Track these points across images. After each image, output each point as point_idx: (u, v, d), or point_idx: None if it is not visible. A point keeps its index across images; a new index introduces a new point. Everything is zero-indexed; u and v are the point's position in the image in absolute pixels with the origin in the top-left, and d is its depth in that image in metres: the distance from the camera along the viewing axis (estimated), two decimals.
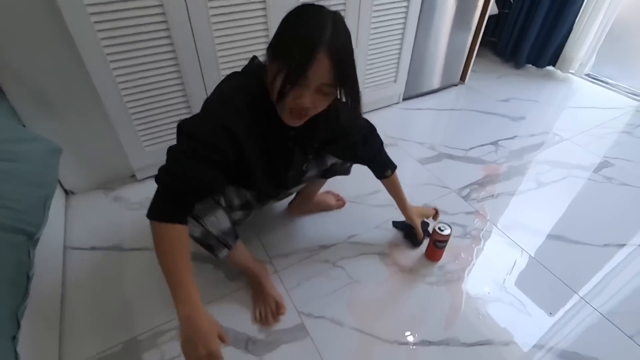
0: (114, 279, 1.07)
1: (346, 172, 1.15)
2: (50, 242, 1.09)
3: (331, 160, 1.06)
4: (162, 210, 0.67)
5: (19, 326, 0.70)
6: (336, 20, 0.66)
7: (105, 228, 1.22)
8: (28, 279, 0.79)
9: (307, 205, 1.27)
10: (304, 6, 0.68)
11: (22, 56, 1.02)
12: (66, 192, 1.34)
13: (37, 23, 0.99)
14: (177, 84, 1.24)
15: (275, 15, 1.26)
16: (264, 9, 1.24)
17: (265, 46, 0.72)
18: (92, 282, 1.06)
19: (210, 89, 1.29)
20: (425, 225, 1.25)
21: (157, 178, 0.68)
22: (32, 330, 0.80)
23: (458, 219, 1.30)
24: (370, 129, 1.00)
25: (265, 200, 1.07)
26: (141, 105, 1.22)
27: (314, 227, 1.26)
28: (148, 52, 1.13)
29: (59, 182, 1.29)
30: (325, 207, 1.30)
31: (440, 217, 1.19)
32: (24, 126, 1.12)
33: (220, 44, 1.24)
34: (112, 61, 1.09)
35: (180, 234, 0.68)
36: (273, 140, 0.82)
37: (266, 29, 1.29)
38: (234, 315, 0.99)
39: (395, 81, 1.83)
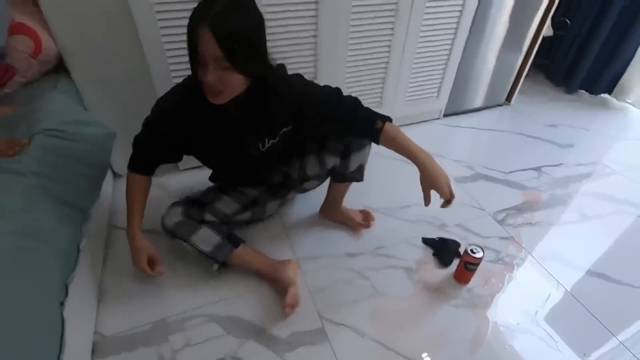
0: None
1: (356, 177, 1.12)
2: (97, 219, 1.16)
3: (332, 161, 1.07)
4: (130, 165, 0.96)
5: (66, 293, 0.76)
6: None
7: (146, 212, 1.28)
8: (78, 250, 0.85)
9: (334, 212, 1.27)
10: None
11: (92, 46, 1.11)
12: (114, 174, 1.43)
13: (108, 16, 1.07)
14: None
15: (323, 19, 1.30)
16: (314, 16, 1.28)
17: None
18: (130, 262, 1.12)
19: None
20: (456, 245, 1.22)
21: (132, 145, 0.95)
22: (74, 299, 0.85)
23: (491, 243, 1.26)
24: (337, 90, 0.93)
25: (261, 192, 1.16)
26: None
27: (343, 233, 1.26)
28: None
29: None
30: (350, 223, 1.26)
31: (452, 207, 0.92)
32: (85, 110, 1.21)
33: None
34: (169, 57, 1.16)
35: (137, 180, 0.97)
36: (214, 120, 0.88)
37: (314, 44, 1.32)
38: (256, 310, 1.02)
39: (437, 96, 1.81)
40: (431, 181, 0.89)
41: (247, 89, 0.81)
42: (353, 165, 1.08)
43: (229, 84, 0.76)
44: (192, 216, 1.03)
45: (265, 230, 1.25)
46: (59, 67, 1.15)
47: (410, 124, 1.86)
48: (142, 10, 1.05)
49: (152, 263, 0.98)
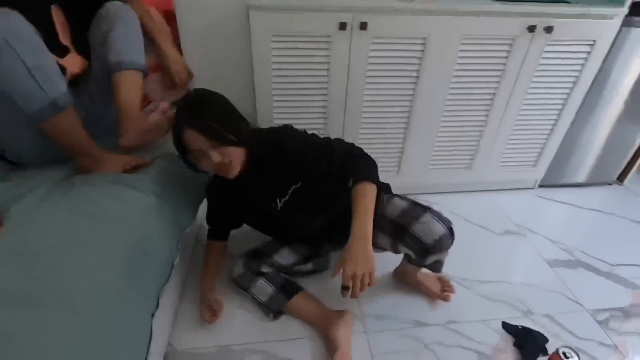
0: (227, 285, 1.20)
1: (434, 269, 1.07)
2: (187, 236, 1.28)
3: (405, 251, 1.02)
4: (208, 235, 1.17)
5: (157, 306, 0.84)
6: (196, 95, 0.90)
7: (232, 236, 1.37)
8: (172, 266, 0.94)
9: (409, 277, 1.21)
10: None
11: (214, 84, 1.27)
12: None
13: (232, 46, 1.22)
14: (321, 124, 1.39)
15: (423, 82, 1.32)
16: (414, 83, 1.30)
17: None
18: None
19: (348, 138, 1.40)
20: (542, 339, 1.08)
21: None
22: (159, 309, 0.94)
23: (588, 347, 1.09)
24: (329, 145, 0.96)
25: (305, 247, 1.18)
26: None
27: (416, 298, 1.20)
28: (305, 90, 1.30)
29: None
30: (425, 291, 1.19)
31: (347, 300, 0.84)
32: None
33: (367, 102, 1.34)
34: (275, 88, 1.28)
35: (213, 245, 1.16)
36: (237, 190, 1.03)
37: (412, 95, 1.34)
38: (313, 358, 1.00)
39: (534, 165, 1.68)
40: (345, 258, 0.83)
41: (248, 157, 0.93)
42: (430, 260, 1.03)
43: (230, 156, 0.88)
44: (251, 268, 1.10)
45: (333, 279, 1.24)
46: None
47: (500, 190, 1.74)
48: (260, 40, 1.18)
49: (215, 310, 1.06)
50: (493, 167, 1.62)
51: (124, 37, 0.98)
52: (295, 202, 1.01)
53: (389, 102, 1.36)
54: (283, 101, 1.30)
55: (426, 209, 0.99)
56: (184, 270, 1.22)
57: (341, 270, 0.83)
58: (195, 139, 0.85)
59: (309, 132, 1.15)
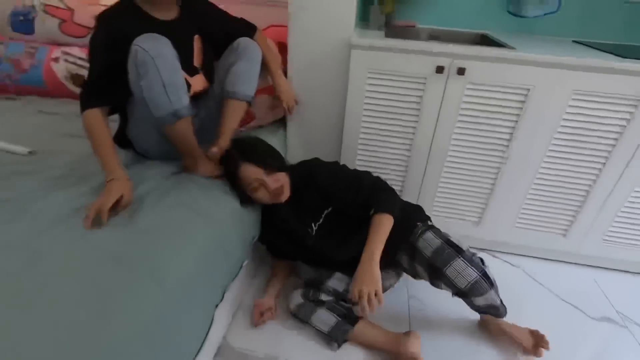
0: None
1: (497, 313, 1.07)
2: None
3: (446, 289, 1.04)
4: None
5: (222, 298, 0.93)
6: (239, 140, 1.14)
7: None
8: (241, 267, 1.03)
9: (492, 324, 1.14)
10: None
11: (309, 111, 1.39)
12: None
13: (331, 78, 1.32)
14: (401, 171, 1.40)
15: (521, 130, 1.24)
16: (510, 133, 1.23)
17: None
18: None
19: (428, 183, 1.40)
20: None
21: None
22: (222, 303, 1.02)
23: None
24: (358, 177, 1.15)
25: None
26: (366, 166, 1.42)
27: (495, 351, 1.10)
28: (392, 126, 1.32)
29: None
30: (513, 342, 1.10)
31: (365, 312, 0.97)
32: (285, 154, 1.50)
33: (454, 147, 1.32)
34: (363, 122, 1.33)
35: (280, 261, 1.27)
36: (278, 221, 1.16)
37: (505, 146, 1.27)
38: None
39: None
40: (354, 279, 1.01)
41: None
42: (480, 303, 1.02)
43: (281, 181, 1.06)
44: (310, 298, 1.11)
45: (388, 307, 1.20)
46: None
47: (601, 268, 1.49)
48: (357, 75, 1.26)
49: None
50: (595, 240, 1.41)
51: (244, 71, 1.15)
52: (327, 226, 1.14)
53: (478, 150, 1.31)
54: (369, 134, 1.35)
55: (458, 252, 1.01)
56: (251, 274, 1.31)
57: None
58: (252, 170, 1.04)
59: (390, 168, 1.19)
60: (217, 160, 1.11)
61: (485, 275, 0.98)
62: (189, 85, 1.10)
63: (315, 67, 1.31)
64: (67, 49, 1.59)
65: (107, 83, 1.01)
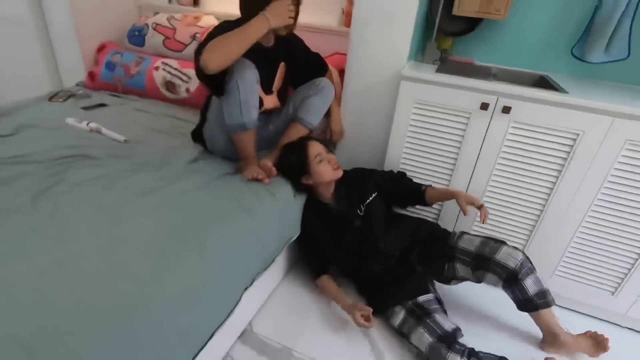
0: (309, 296, 1.36)
1: (545, 304, 1.14)
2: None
3: (492, 284, 1.17)
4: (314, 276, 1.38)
5: (251, 284, 1.06)
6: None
7: None
8: (273, 260, 1.16)
9: (555, 343, 1.20)
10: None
11: (357, 136, 1.50)
12: None
13: (380, 106, 1.43)
14: (438, 203, 1.42)
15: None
16: (555, 177, 1.22)
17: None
18: (300, 287, 1.40)
19: (464, 219, 1.43)
20: None
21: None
22: (253, 290, 1.15)
23: None
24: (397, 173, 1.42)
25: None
26: None
27: None
28: (433, 158, 1.38)
29: None
30: (584, 351, 1.20)
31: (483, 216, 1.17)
32: None
33: (493, 186, 1.33)
34: (405, 151, 1.41)
35: (325, 280, 1.34)
36: (326, 209, 1.34)
37: (549, 191, 1.25)
38: None
39: None
40: (468, 198, 1.21)
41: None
42: (532, 289, 1.12)
43: (336, 160, 1.29)
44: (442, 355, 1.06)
45: None
46: None
47: None
48: (399, 125, 1.35)
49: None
50: None
51: (316, 105, 1.36)
52: (373, 209, 1.31)
53: (519, 191, 1.30)
54: (410, 163, 1.42)
55: (502, 241, 1.20)
56: (284, 270, 1.43)
57: None
58: (318, 146, 1.28)
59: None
60: (267, 168, 1.27)
61: (526, 256, 1.15)
62: (262, 102, 1.31)
63: (367, 93, 1.44)
64: (166, 60, 1.92)
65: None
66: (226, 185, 1.18)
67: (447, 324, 1.11)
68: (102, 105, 1.80)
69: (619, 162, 1.15)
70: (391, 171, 1.41)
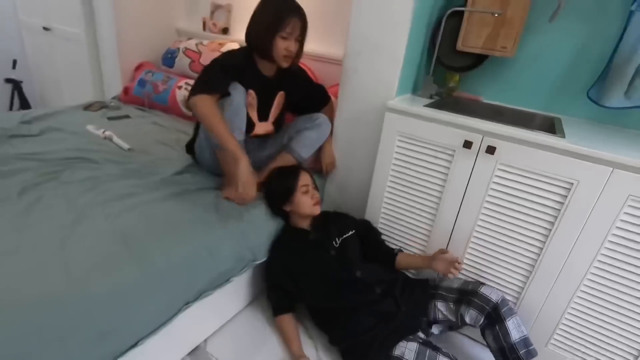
0: (269, 328, 1.31)
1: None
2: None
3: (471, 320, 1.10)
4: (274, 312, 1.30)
5: (195, 300, 1.05)
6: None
7: None
8: (228, 280, 1.15)
9: None
10: None
11: (346, 161, 1.48)
12: None
13: (368, 137, 1.41)
14: (423, 240, 1.34)
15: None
16: (548, 229, 1.08)
17: None
18: (262, 317, 1.36)
19: None
20: None
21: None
22: (205, 309, 1.14)
23: None
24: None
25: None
26: (389, 228, 1.41)
27: None
28: (417, 192, 1.31)
29: None
30: None
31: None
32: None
33: (479, 232, 1.21)
34: (389, 184, 1.36)
35: (284, 319, 1.26)
36: (300, 239, 1.32)
37: (541, 244, 1.11)
38: None
39: None
40: (444, 258, 1.21)
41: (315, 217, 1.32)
42: (515, 335, 1.04)
43: (318, 197, 1.32)
44: None
45: None
46: None
47: None
48: (384, 156, 1.31)
49: None
50: None
51: (310, 139, 1.41)
52: (349, 244, 1.30)
53: (508, 241, 1.17)
54: (394, 195, 1.35)
55: (481, 282, 1.16)
56: (250, 297, 1.39)
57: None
58: (308, 178, 1.31)
59: (411, 234, 1.38)
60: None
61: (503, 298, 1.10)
62: (253, 126, 1.39)
63: (358, 122, 1.42)
64: (189, 81, 2.07)
65: (215, 84, 1.24)
66: (198, 199, 1.22)
67: None
68: (126, 117, 1.98)
69: (620, 220, 0.99)
70: (370, 223, 1.43)
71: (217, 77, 1.25)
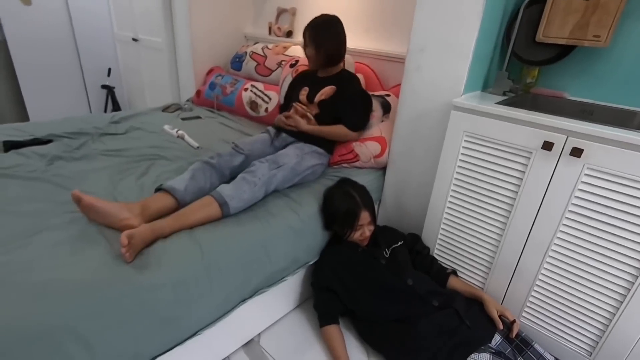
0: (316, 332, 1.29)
1: None
2: None
3: None
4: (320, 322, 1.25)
5: (251, 296, 1.08)
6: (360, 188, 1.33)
7: None
8: (282, 279, 1.16)
9: None
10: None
11: (404, 164, 1.41)
12: None
13: (431, 135, 1.34)
14: (490, 250, 1.22)
15: None
16: None
17: None
18: (312, 319, 1.35)
19: (520, 278, 1.25)
20: None
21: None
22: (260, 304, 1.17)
23: None
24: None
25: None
26: (449, 240, 1.31)
27: None
28: (484, 199, 1.20)
29: None
30: None
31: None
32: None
33: (560, 243, 1.06)
34: (453, 188, 1.26)
35: (331, 330, 1.20)
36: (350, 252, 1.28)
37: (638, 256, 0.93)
38: None
39: None
40: (496, 304, 1.14)
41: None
42: None
43: (371, 231, 1.28)
44: None
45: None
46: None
47: None
48: (448, 156, 1.22)
49: None
50: None
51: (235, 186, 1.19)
52: (399, 254, 1.27)
53: (596, 258, 1.01)
54: (458, 200, 1.26)
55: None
56: (303, 297, 1.39)
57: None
58: (367, 216, 1.25)
59: (476, 243, 1.28)
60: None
61: None
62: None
63: (420, 120, 1.35)
64: (254, 83, 2.16)
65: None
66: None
67: None
68: (198, 117, 2.12)
69: None
70: (418, 236, 1.41)
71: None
